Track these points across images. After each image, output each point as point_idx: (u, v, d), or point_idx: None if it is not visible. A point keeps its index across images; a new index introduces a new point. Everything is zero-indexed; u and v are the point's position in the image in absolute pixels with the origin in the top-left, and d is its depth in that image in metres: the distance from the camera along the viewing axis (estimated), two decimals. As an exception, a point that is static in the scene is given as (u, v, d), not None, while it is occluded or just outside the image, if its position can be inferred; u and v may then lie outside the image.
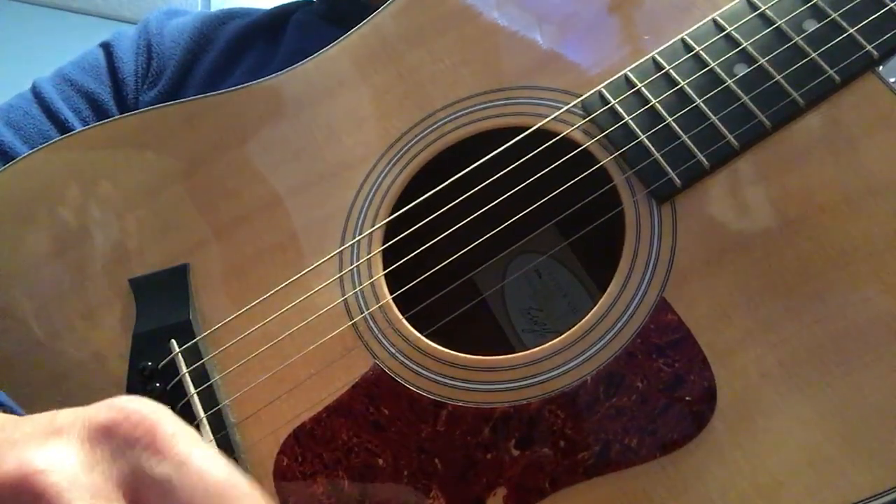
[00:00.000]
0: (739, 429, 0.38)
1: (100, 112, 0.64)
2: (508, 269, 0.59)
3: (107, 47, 0.65)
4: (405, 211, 0.48)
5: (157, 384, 0.46)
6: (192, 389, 0.46)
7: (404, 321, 0.45)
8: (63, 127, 0.62)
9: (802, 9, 0.44)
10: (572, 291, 0.59)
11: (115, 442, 0.31)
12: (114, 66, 0.64)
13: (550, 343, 0.42)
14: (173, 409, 0.45)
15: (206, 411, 0.45)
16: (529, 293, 0.59)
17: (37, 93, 0.64)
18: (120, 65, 0.64)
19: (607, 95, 0.46)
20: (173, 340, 0.47)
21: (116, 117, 0.55)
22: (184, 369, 0.46)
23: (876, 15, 0.42)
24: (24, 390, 0.48)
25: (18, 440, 0.31)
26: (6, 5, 2.14)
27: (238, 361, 0.46)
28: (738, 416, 0.38)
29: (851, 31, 0.42)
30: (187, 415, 0.45)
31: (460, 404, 0.42)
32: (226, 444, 0.44)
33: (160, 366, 0.47)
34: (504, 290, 0.59)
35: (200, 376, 0.46)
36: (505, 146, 0.47)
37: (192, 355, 0.47)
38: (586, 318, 0.42)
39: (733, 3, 0.45)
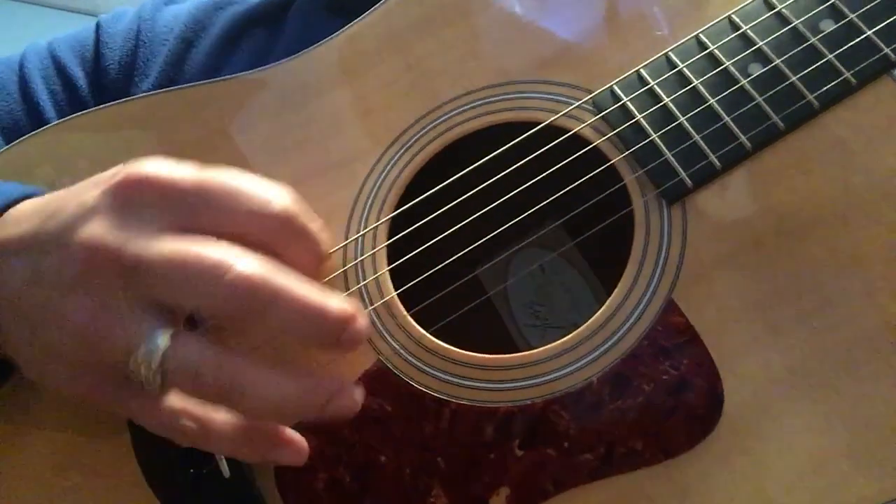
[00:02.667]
0: (746, 434, 0.38)
1: (74, 98, 0.63)
2: (512, 264, 0.58)
3: (98, 29, 0.64)
4: (410, 206, 0.47)
5: None
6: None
7: (409, 317, 0.45)
8: (35, 109, 0.61)
9: (820, 9, 0.43)
10: (575, 287, 0.58)
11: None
12: (99, 52, 0.63)
13: (557, 343, 0.42)
14: None
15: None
16: (532, 288, 0.59)
17: (22, 65, 0.63)
18: (105, 51, 0.62)
19: (619, 93, 0.45)
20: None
21: (121, 101, 0.54)
22: None
23: (894, 17, 0.42)
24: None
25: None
26: (6, 5, 2.12)
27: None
28: (745, 422, 0.38)
29: (869, 32, 0.42)
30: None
31: (464, 403, 0.42)
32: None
33: None
34: (507, 285, 0.59)
35: None
36: (513, 142, 0.46)
37: None
38: (593, 318, 0.42)
39: (749, 1, 0.45)
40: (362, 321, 0.36)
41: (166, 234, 0.35)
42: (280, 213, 0.37)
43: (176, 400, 0.38)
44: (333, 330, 0.35)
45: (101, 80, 0.63)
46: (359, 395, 0.37)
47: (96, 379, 0.38)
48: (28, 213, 0.40)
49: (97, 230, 0.36)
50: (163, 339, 0.35)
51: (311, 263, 0.39)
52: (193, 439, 0.38)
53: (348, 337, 0.35)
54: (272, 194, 0.37)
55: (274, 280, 0.34)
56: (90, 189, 0.38)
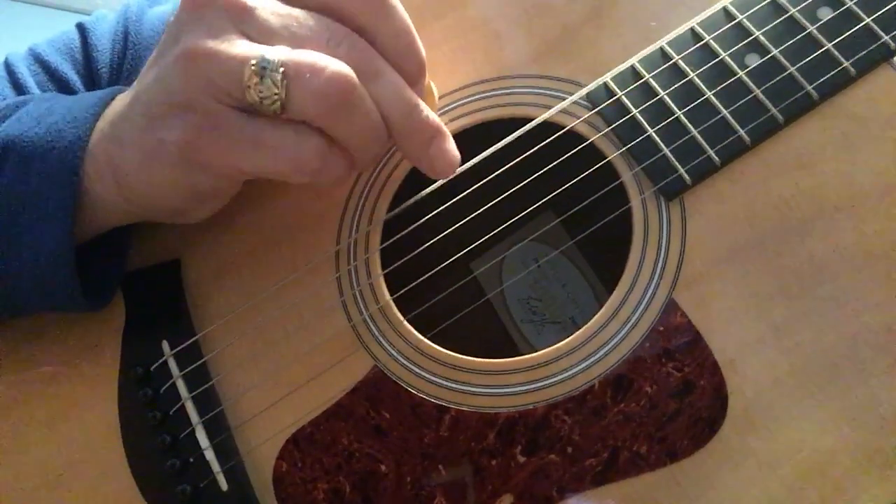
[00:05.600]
0: (751, 436, 0.37)
1: None
2: (507, 259, 0.57)
3: (83, 32, 0.62)
4: (403, 208, 0.46)
5: (150, 390, 0.45)
6: (185, 394, 0.44)
7: (405, 323, 0.44)
8: None
9: (817, -4, 0.42)
10: (572, 282, 0.58)
11: None
12: (89, 55, 0.61)
13: (557, 346, 0.41)
14: (167, 413, 0.44)
15: (201, 415, 0.44)
16: (528, 283, 0.58)
17: (11, 70, 0.61)
18: (95, 53, 0.60)
19: (613, 87, 0.44)
20: (165, 342, 0.46)
21: None
22: (176, 373, 0.45)
23: (894, 4, 0.41)
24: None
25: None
26: (6, 5, 2.07)
27: (233, 364, 0.45)
28: (750, 423, 0.37)
29: (868, 20, 0.41)
30: (181, 419, 0.44)
31: (464, 409, 0.41)
32: (223, 450, 0.43)
33: (152, 368, 0.45)
34: (503, 279, 0.58)
35: (194, 380, 0.45)
36: (508, 139, 0.45)
37: (185, 358, 0.45)
38: (593, 319, 0.41)
39: None
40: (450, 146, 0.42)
41: None
42: None
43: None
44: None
45: (96, 84, 0.61)
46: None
47: (212, 115, 0.38)
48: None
49: None
50: (278, 48, 0.37)
51: (406, 42, 0.41)
52: (318, 160, 0.39)
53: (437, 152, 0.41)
54: None
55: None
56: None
